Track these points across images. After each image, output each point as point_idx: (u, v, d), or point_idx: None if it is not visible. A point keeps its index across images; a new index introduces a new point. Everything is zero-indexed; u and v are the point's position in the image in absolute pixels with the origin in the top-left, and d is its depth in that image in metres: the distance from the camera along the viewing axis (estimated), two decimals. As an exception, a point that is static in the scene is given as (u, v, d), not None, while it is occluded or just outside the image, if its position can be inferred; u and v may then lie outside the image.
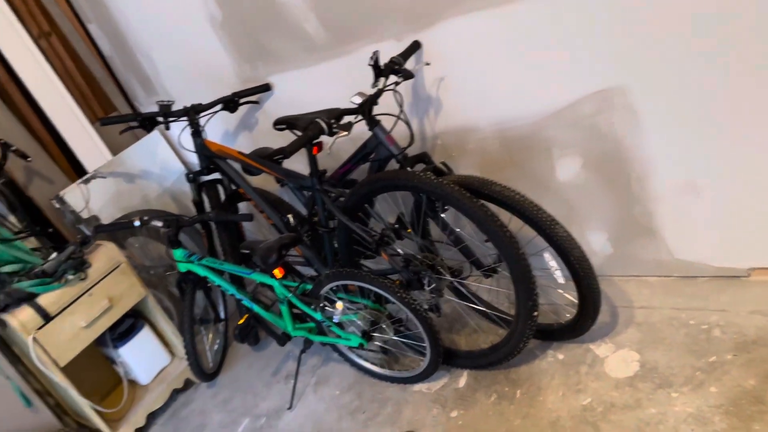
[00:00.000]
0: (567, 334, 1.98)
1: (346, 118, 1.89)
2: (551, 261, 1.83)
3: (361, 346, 2.11)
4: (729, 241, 1.93)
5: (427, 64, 2.01)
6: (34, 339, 2.15)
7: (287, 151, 1.75)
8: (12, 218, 2.47)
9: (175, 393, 2.70)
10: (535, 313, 1.81)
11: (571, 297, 1.94)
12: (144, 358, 2.64)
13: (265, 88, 2.47)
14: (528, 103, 1.98)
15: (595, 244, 2.16)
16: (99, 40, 2.89)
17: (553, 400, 1.86)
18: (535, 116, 1.99)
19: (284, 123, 2.10)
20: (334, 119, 1.82)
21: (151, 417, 2.61)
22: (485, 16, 1.86)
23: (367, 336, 2.09)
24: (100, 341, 2.49)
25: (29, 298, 2.20)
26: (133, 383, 2.69)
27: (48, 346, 2.20)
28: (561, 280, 1.85)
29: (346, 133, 1.78)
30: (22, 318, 2.15)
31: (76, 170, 2.83)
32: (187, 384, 2.73)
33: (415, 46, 2.00)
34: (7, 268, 2.26)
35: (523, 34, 1.84)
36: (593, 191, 2.04)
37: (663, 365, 1.80)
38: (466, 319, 2.28)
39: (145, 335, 2.62)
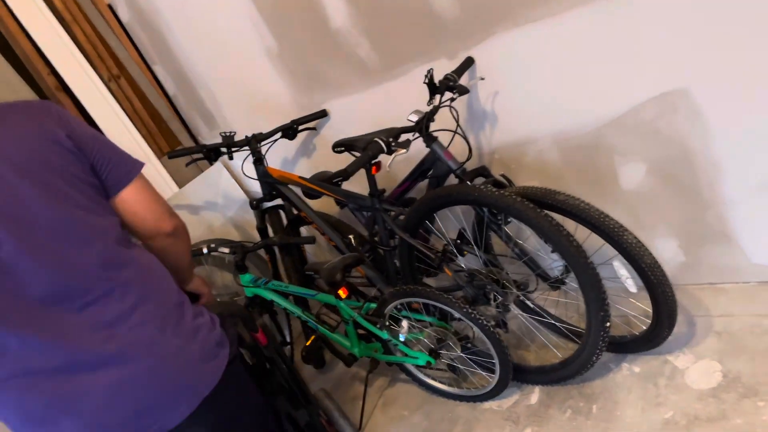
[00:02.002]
0: (642, 345, 1.91)
1: (404, 136, 1.91)
2: (621, 269, 1.78)
3: (428, 365, 2.09)
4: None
5: (482, 78, 2.02)
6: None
7: (348, 172, 1.78)
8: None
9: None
10: (608, 324, 1.75)
11: (645, 306, 1.88)
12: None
13: (322, 114, 2.53)
14: (587, 111, 1.95)
15: (666, 252, 2.09)
16: (164, 80, 3.03)
17: (631, 415, 1.79)
18: (595, 124, 1.96)
19: (342, 145, 2.14)
20: (392, 138, 1.84)
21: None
22: (540, 27, 1.86)
23: (434, 354, 2.07)
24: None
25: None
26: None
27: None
28: (633, 289, 1.79)
29: (404, 150, 1.80)
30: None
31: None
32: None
33: (469, 63, 2.02)
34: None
35: (579, 43, 1.83)
36: (660, 198, 1.99)
37: (747, 374, 1.72)
38: (533, 334, 2.24)
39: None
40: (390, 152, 1.82)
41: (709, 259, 2.03)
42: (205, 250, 2.29)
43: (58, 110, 1.13)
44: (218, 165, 3.03)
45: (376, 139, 1.82)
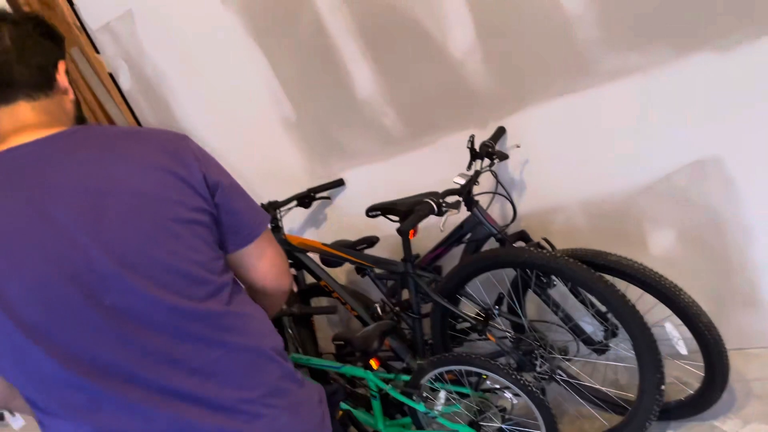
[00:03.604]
0: (690, 410, 1.89)
1: (448, 199, 1.91)
2: (674, 331, 1.79)
3: (469, 438, 1.99)
4: (838, 305, 1.92)
5: (518, 146, 2.07)
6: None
7: (403, 230, 1.75)
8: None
9: None
10: (662, 387, 1.73)
11: (694, 369, 1.87)
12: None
13: (339, 183, 2.51)
14: (617, 179, 2.02)
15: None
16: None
17: (689, 484, 1.74)
18: (626, 191, 2.02)
19: (379, 209, 2.11)
20: (441, 199, 1.84)
21: None
22: (571, 99, 1.95)
23: (475, 426, 1.98)
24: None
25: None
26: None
27: None
28: (684, 351, 1.80)
29: (456, 211, 1.79)
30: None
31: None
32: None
33: (501, 132, 2.07)
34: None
35: (609, 114, 1.93)
36: (689, 263, 2.04)
37: (802, 436, 1.72)
38: (566, 407, 2.18)
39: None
40: (441, 213, 1.81)
41: (739, 325, 2.06)
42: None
43: (196, 147, 1.04)
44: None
45: (428, 199, 1.81)
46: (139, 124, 2.94)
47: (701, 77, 1.77)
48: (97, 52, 2.84)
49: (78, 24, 2.81)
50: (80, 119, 1.06)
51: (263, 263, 1.09)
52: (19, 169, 0.90)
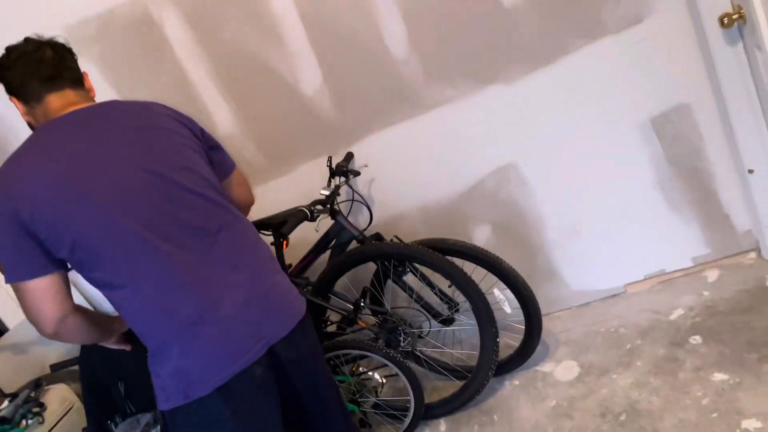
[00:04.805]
0: (516, 362, 2.40)
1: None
2: (500, 294, 2.30)
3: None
4: (607, 268, 2.60)
5: (365, 165, 2.51)
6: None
7: (285, 233, 2.06)
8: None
9: None
10: (498, 340, 2.22)
11: (517, 326, 2.40)
12: None
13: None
14: (443, 187, 2.55)
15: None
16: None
17: (526, 412, 2.23)
18: (450, 197, 2.56)
19: (256, 226, 2.38)
20: (312, 206, 2.20)
21: None
22: (403, 126, 2.45)
23: (356, 403, 2.29)
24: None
25: (-15, 450, 2.05)
26: None
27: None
28: (509, 310, 2.32)
29: (326, 214, 2.17)
30: (-19, 471, 1.99)
31: None
32: None
33: (350, 156, 2.50)
34: (-42, 422, 2.10)
35: (432, 135, 2.45)
36: (503, 248, 2.57)
37: (596, 362, 2.31)
38: (424, 382, 2.59)
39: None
40: (313, 218, 2.16)
41: (544, 294, 2.65)
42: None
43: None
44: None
45: (301, 207, 2.15)
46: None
47: (496, 103, 2.37)
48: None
49: None
50: None
51: (240, 188, 1.72)
52: (81, 120, 1.41)
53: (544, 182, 2.49)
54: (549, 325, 2.63)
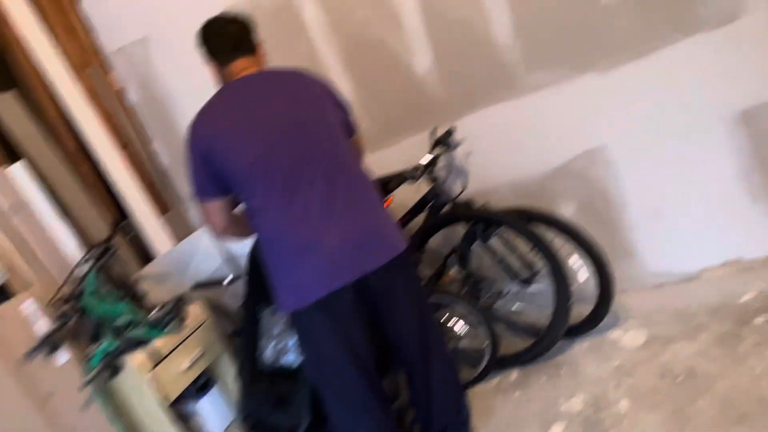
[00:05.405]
0: (585, 327, 2.63)
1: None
2: (578, 261, 2.55)
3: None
4: (684, 251, 2.76)
5: (463, 140, 2.82)
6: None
7: (390, 190, 2.43)
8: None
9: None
10: (571, 301, 2.47)
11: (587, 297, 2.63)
12: (217, 412, 2.93)
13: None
14: (535, 165, 2.81)
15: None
16: (161, 153, 3.48)
17: (591, 369, 2.47)
18: (541, 175, 2.82)
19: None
20: (414, 171, 2.55)
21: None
22: (503, 106, 2.74)
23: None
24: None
25: (141, 344, 2.57)
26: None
27: (159, 384, 2.53)
28: (584, 276, 2.55)
29: (426, 179, 2.52)
30: (138, 360, 2.51)
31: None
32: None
33: (452, 129, 2.82)
34: (120, 321, 2.64)
35: (529, 116, 2.73)
36: (586, 226, 2.81)
37: (662, 333, 2.50)
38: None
39: (217, 390, 2.94)
40: (416, 179, 2.52)
41: (620, 271, 2.85)
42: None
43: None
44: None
45: (405, 170, 2.51)
46: (141, 133, 3.47)
47: (589, 91, 2.61)
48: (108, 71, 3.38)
49: (94, 48, 3.34)
50: None
51: (357, 146, 2.13)
52: (250, 82, 1.89)
53: (629, 166, 2.69)
54: (621, 300, 2.82)
